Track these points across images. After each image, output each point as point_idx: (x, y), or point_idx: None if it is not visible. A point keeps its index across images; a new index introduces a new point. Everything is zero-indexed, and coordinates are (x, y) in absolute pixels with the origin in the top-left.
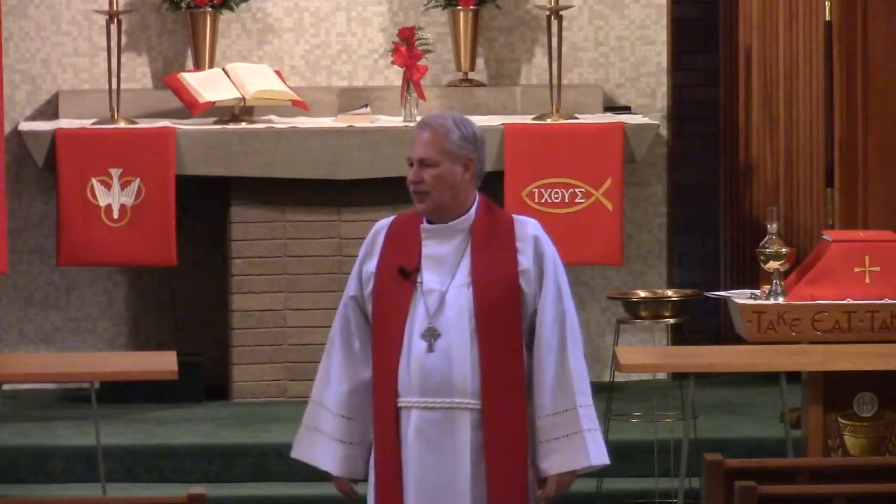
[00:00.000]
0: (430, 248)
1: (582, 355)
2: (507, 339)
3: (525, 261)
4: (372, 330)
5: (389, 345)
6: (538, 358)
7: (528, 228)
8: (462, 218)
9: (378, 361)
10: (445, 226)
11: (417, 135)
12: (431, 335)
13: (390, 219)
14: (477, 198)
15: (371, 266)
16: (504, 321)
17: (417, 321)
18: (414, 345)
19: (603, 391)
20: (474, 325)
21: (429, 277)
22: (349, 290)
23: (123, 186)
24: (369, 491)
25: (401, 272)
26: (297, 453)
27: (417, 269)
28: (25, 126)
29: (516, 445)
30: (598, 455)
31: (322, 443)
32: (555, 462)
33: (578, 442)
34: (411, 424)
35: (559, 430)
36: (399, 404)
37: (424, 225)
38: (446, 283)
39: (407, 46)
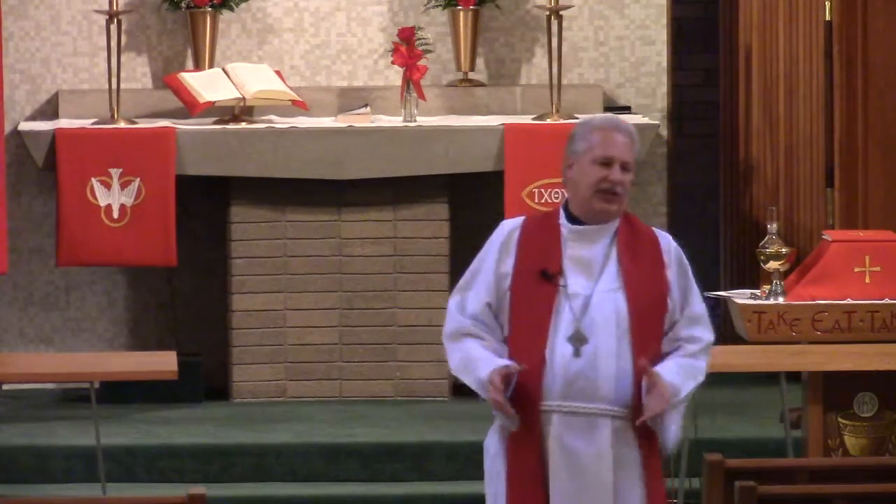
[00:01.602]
0: (574, 249)
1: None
2: (654, 349)
3: (671, 276)
4: (510, 333)
5: (532, 348)
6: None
7: (671, 242)
8: (610, 223)
9: (518, 363)
10: (594, 228)
11: (610, 134)
12: (578, 339)
13: (520, 219)
14: None
15: (507, 267)
16: (652, 330)
17: (562, 325)
18: (558, 348)
19: None
20: (628, 330)
21: (573, 280)
22: (482, 297)
23: (123, 186)
24: (494, 495)
25: (543, 275)
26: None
27: (560, 272)
28: (25, 126)
29: (656, 460)
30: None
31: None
32: (673, 380)
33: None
34: (553, 429)
35: (685, 370)
36: (542, 408)
37: (568, 226)
38: (591, 286)
39: (407, 46)
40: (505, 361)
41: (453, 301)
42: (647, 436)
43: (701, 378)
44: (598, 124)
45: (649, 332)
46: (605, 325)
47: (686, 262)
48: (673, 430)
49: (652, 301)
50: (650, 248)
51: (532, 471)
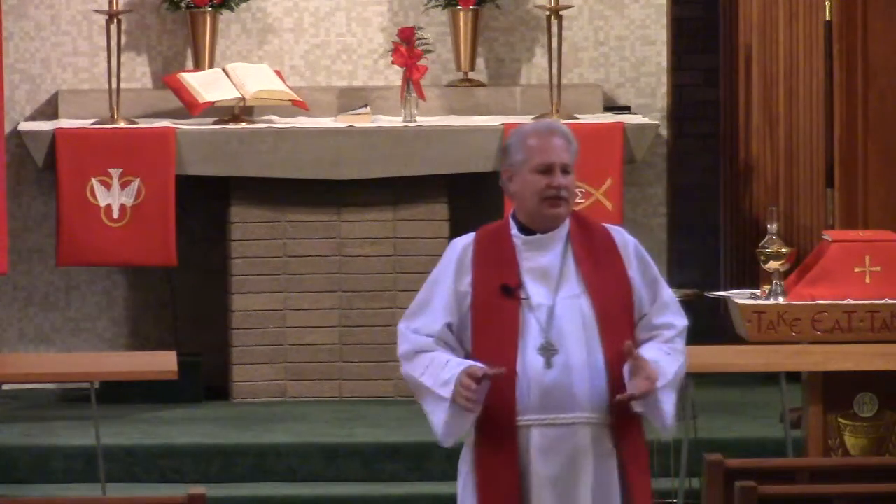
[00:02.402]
0: (529, 260)
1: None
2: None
3: (633, 272)
4: (474, 352)
5: (502, 363)
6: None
7: (626, 237)
8: (559, 228)
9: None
10: (544, 236)
11: (546, 140)
12: (548, 350)
13: (470, 236)
14: None
15: (464, 286)
16: (621, 330)
17: (530, 337)
18: (529, 361)
19: None
20: (597, 334)
21: (534, 291)
22: (439, 318)
23: (123, 186)
24: None
25: (503, 289)
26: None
27: (520, 284)
28: (25, 126)
29: (642, 457)
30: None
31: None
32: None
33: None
34: (532, 442)
35: (671, 357)
36: (517, 423)
37: (521, 236)
38: (552, 295)
39: (407, 46)
40: (479, 364)
41: (404, 325)
42: (626, 436)
43: (682, 360)
44: (532, 131)
45: (619, 332)
46: (573, 332)
47: (645, 253)
48: (668, 410)
49: (617, 301)
50: (606, 246)
51: (507, 489)
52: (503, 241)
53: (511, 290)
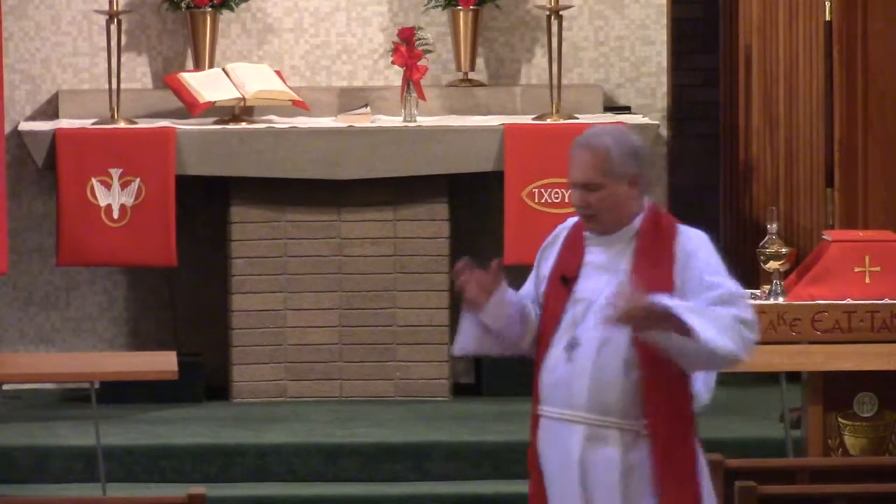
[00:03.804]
0: (593, 254)
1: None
2: (659, 354)
3: (677, 273)
4: (537, 336)
5: (541, 352)
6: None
7: (690, 238)
8: (626, 228)
9: (535, 368)
10: (609, 236)
11: (577, 155)
12: (571, 345)
13: (574, 220)
14: (645, 206)
15: (545, 270)
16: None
17: (565, 331)
18: (554, 354)
19: None
20: (626, 337)
21: (584, 285)
22: (525, 296)
23: (123, 186)
24: None
25: (562, 279)
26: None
27: (576, 277)
28: (25, 126)
29: (684, 469)
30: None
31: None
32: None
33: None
34: (540, 433)
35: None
36: (538, 412)
37: (588, 233)
38: (600, 292)
39: (407, 46)
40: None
41: None
42: (653, 442)
43: (715, 322)
44: (574, 143)
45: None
46: (595, 330)
47: (706, 250)
48: (700, 382)
49: None
50: (666, 248)
51: (535, 474)
52: (579, 232)
53: (566, 281)
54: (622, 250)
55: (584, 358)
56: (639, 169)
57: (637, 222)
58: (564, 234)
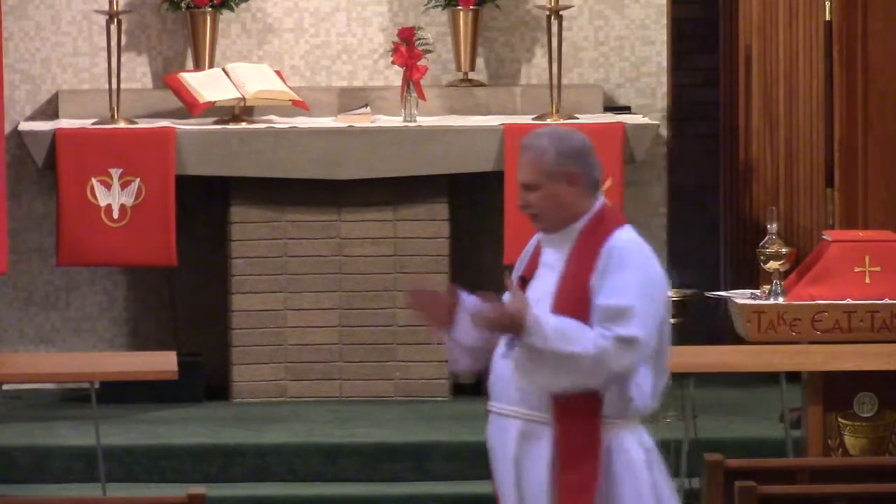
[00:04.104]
0: (545, 255)
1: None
2: None
3: (595, 278)
4: None
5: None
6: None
7: (615, 244)
8: (571, 227)
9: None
10: (555, 235)
11: (520, 156)
12: (511, 342)
13: None
14: (596, 207)
15: (516, 274)
16: None
17: None
18: (500, 351)
19: None
20: None
21: (534, 284)
22: None
23: (123, 186)
24: None
25: (521, 280)
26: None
27: (530, 277)
28: (25, 126)
29: (582, 457)
30: (538, 329)
31: None
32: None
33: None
34: (488, 428)
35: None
36: (487, 407)
37: (541, 233)
38: (547, 291)
39: (407, 46)
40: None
41: None
42: (562, 436)
43: (579, 348)
44: (520, 144)
45: None
46: None
47: (627, 260)
48: (518, 360)
49: (573, 307)
50: (594, 251)
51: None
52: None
53: (524, 281)
54: (567, 249)
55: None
56: (579, 168)
57: (582, 222)
58: (535, 242)
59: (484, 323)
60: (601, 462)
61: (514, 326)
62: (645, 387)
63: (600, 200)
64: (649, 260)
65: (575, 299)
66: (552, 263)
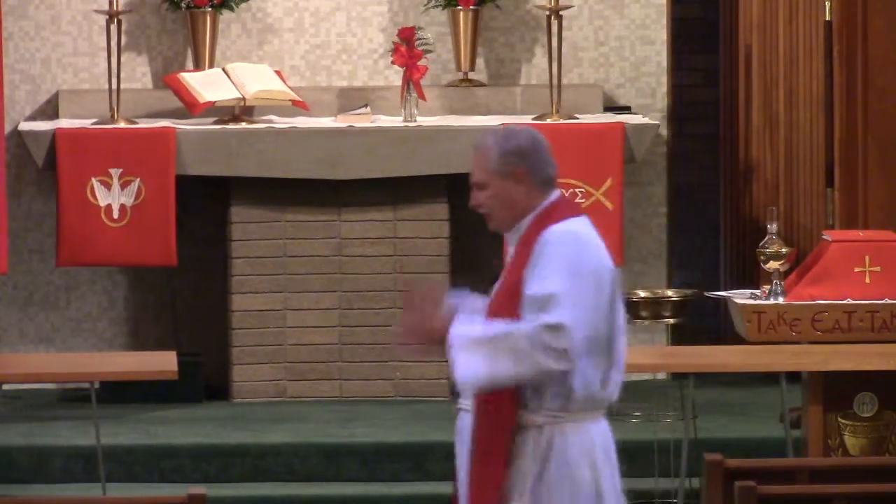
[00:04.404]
0: (510, 251)
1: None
2: None
3: (526, 271)
4: None
5: None
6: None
7: (549, 238)
8: (521, 223)
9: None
10: (509, 232)
11: (472, 156)
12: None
13: None
14: (548, 201)
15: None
16: None
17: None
18: None
19: None
20: None
21: (498, 281)
22: None
23: (123, 186)
24: None
25: (496, 276)
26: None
27: (500, 273)
28: (25, 126)
29: (490, 451)
30: (461, 357)
31: None
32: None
33: (474, 335)
34: (456, 426)
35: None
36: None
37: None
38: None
39: (407, 46)
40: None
41: None
42: (478, 423)
43: (506, 335)
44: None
45: None
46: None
47: (558, 248)
48: (459, 370)
49: (509, 302)
50: (530, 244)
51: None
52: None
53: (496, 278)
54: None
55: None
56: (526, 166)
57: (529, 218)
58: None
59: (412, 337)
60: (507, 458)
61: (436, 341)
62: (590, 377)
63: (554, 196)
64: (582, 248)
65: (510, 293)
66: (510, 259)
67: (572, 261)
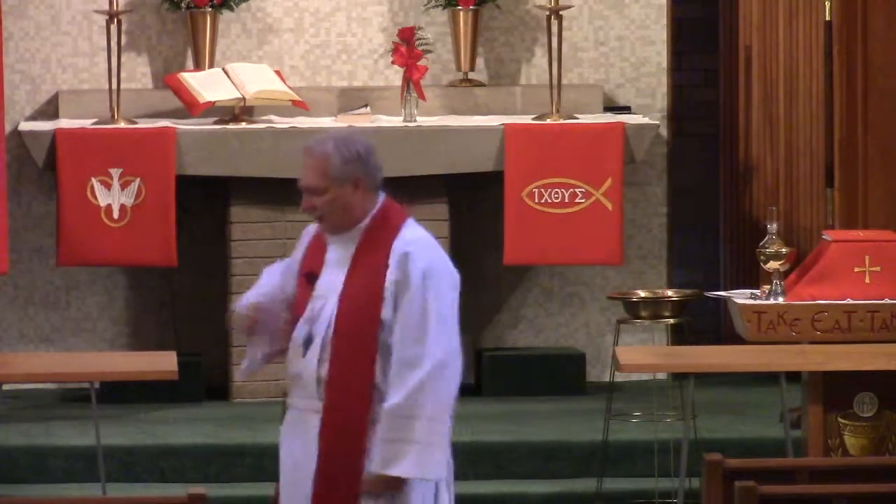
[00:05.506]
0: (332, 252)
1: (445, 371)
2: (359, 350)
3: (391, 275)
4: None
5: (289, 345)
6: (393, 371)
7: (403, 243)
8: (357, 226)
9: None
10: (342, 235)
11: (304, 161)
12: (307, 339)
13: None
14: (378, 205)
15: (295, 265)
16: (358, 339)
17: (303, 324)
18: (295, 347)
19: (603, 391)
20: (330, 334)
21: (323, 281)
22: (276, 275)
23: (123, 186)
24: None
25: (307, 276)
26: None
27: (318, 274)
28: (25, 126)
29: (348, 454)
30: (420, 469)
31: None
32: (374, 462)
33: (403, 450)
34: (285, 424)
35: (391, 433)
36: (286, 402)
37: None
38: (336, 287)
39: (407, 46)
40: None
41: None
42: (326, 422)
43: (429, 404)
44: (303, 149)
45: (355, 340)
46: (321, 326)
47: (422, 267)
48: (412, 463)
49: (363, 302)
50: (383, 246)
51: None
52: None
53: (310, 278)
54: (353, 248)
55: (312, 354)
56: (363, 171)
57: (365, 221)
58: (311, 234)
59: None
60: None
61: (396, 489)
62: (409, 381)
63: (381, 198)
64: (437, 260)
65: (365, 296)
66: (338, 261)
67: (437, 285)
